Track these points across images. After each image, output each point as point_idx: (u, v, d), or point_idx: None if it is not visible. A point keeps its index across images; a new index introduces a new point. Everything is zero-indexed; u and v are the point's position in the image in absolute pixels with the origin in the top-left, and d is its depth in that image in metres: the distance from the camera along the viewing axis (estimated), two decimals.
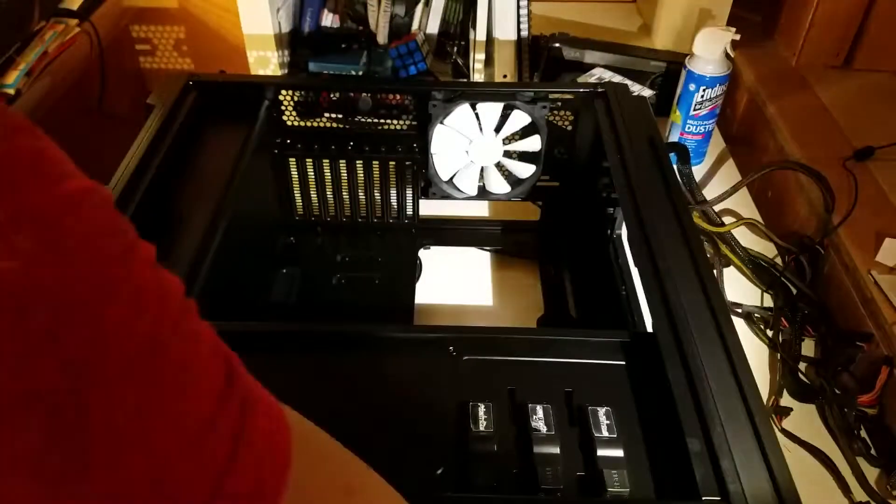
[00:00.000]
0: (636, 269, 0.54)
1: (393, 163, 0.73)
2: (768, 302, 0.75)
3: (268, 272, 0.74)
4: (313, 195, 0.76)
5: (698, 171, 0.93)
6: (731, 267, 0.79)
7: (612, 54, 1.05)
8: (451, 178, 0.75)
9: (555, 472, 0.41)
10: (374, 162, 0.73)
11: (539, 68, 1.05)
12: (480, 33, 0.96)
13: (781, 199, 0.88)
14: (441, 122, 0.70)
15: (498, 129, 0.71)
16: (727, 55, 0.86)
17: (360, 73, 0.98)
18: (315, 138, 0.73)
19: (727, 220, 0.83)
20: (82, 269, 0.22)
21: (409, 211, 0.77)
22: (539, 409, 0.44)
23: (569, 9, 1.30)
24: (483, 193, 0.76)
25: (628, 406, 0.45)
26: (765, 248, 0.80)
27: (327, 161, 0.73)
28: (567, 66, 1.05)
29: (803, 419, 0.64)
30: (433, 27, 1.01)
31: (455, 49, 1.02)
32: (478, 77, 1.00)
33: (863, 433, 0.63)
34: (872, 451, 0.61)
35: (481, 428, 0.43)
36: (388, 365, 0.48)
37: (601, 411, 0.44)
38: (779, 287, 0.75)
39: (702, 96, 0.88)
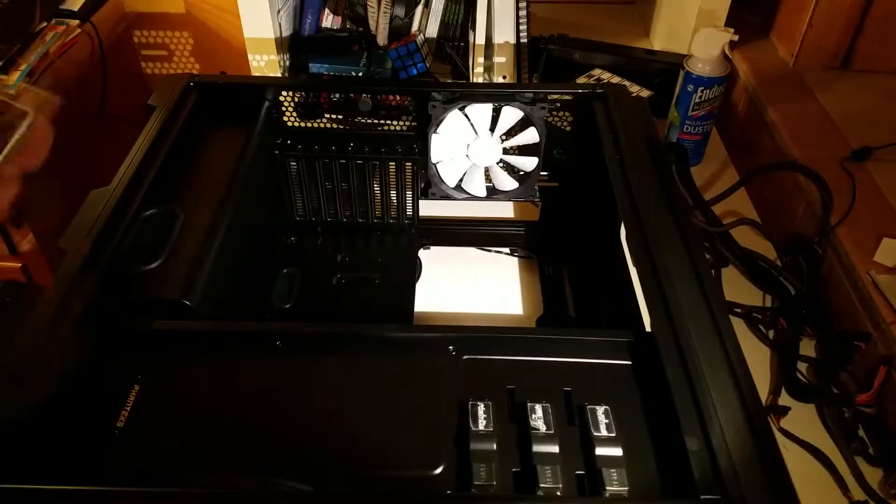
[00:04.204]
0: (635, 269, 0.54)
1: (393, 163, 0.74)
2: (767, 302, 0.76)
3: (268, 272, 0.74)
4: (314, 196, 0.77)
5: (696, 172, 0.93)
6: (730, 267, 0.79)
7: (611, 55, 1.05)
8: (459, 183, 0.75)
9: (554, 470, 0.41)
10: (374, 162, 0.73)
11: (538, 69, 1.05)
12: (480, 35, 0.96)
13: (779, 200, 0.88)
14: (435, 132, 0.71)
15: (493, 129, 0.71)
16: (725, 56, 0.86)
17: (361, 74, 0.98)
18: (315, 139, 0.73)
19: (725, 220, 0.83)
20: None
21: (409, 211, 0.78)
22: (538, 409, 0.44)
23: (568, 10, 1.30)
24: (492, 193, 0.76)
25: (627, 405, 0.45)
26: (763, 248, 0.80)
27: (327, 161, 0.74)
28: (566, 66, 1.06)
29: (801, 418, 0.65)
30: (433, 29, 1.01)
31: (455, 50, 1.02)
32: (478, 78, 1.00)
33: (861, 432, 0.63)
34: (870, 451, 0.62)
35: (481, 427, 0.43)
36: (388, 364, 0.48)
37: (600, 410, 0.44)
38: (777, 287, 0.76)
39: (700, 97, 0.88)
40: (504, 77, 1.00)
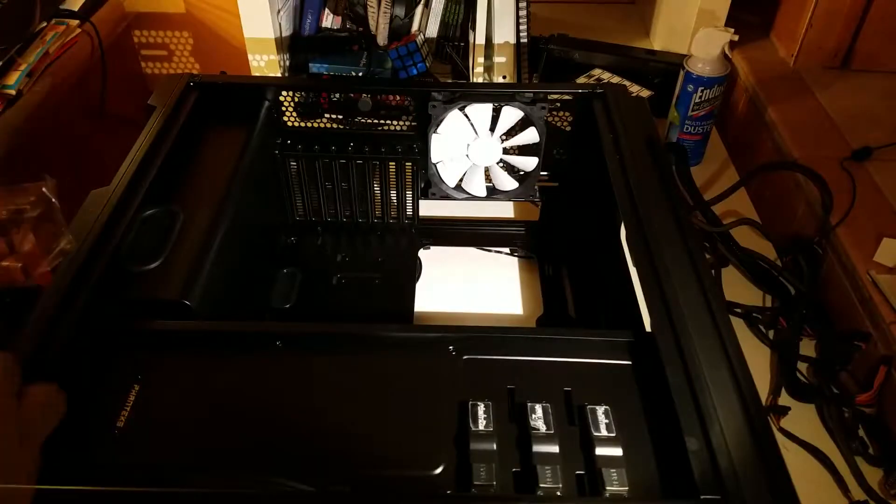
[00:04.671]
0: (634, 269, 0.54)
1: (393, 163, 0.74)
2: (767, 302, 0.76)
3: (268, 272, 0.74)
4: (314, 196, 0.77)
5: (697, 172, 0.93)
6: (730, 267, 0.79)
7: (611, 55, 1.05)
8: (459, 183, 0.75)
9: (554, 470, 0.41)
10: (374, 162, 0.73)
11: (538, 69, 1.05)
12: (480, 35, 0.96)
13: (780, 200, 0.88)
14: (435, 132, 0.71)
15: (493, 129, 0.71)
16: (725, 56, 0.86)
17: (361, 74, 0.98)
18: (315, 139, 0.73)
19: (725, 220, 0.83)
20: None
21: (409, 211, 0.78)
22: (538, 409, 0.44)
23: (568, 10, 1.30)
24: (492, 193, 0.76)
25: (627, 405, 0.45)
26: (763, 248, 0.80)
27: (327, 161, 0.74)
28: (566, 66, 1.06)
29: (802, 418, 0.65)
30: (433, 29, 1.01)
31: (455, 50, 1.02)
32: (478, 78, 1.00)
33: (861, 432, 0.63)
34: (870, 451, 0.62)
35: (481, 427, 0.43)
36: (388, 365, 0.48)
37: (600, 410, 0.44)
38: (777, 287, 0.76)
39: (700, 97, 0.88)
40: (504, 77, 1.00)
